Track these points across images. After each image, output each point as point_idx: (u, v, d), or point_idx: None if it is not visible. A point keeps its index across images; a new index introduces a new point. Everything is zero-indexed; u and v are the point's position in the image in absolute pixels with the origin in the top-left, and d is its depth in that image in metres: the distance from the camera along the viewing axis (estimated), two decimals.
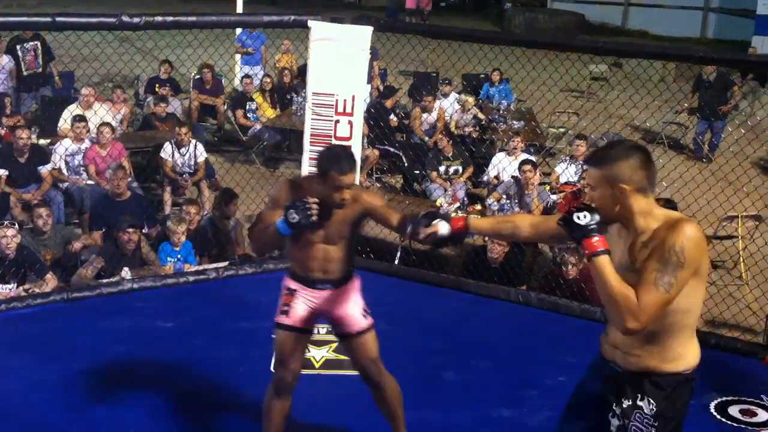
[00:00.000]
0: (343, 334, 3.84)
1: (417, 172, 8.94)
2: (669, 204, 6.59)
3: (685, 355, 2.72)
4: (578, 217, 2.62)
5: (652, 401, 2.72)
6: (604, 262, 2.58)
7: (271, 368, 3.96)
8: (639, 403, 2.73)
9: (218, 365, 4.70)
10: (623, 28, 22.30)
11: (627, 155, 2.62)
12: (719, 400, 4.62)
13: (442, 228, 3.18)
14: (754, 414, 4.51)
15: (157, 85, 10.38)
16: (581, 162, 8.25)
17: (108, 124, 8.14)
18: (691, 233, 2.54)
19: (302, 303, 3.78)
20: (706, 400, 4.61)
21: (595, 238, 2.59)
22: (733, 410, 4.54)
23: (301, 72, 11.35)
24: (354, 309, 3.82)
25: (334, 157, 3.48)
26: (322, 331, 5.15)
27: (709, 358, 5.04)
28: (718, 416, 4.48)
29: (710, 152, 10.70)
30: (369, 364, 3.82)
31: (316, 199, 3.43)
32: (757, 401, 4.62)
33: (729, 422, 4.43)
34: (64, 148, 7.91)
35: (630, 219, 2.65)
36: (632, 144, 2.75)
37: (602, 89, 14.12)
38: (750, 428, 4.36)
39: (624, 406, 2.76)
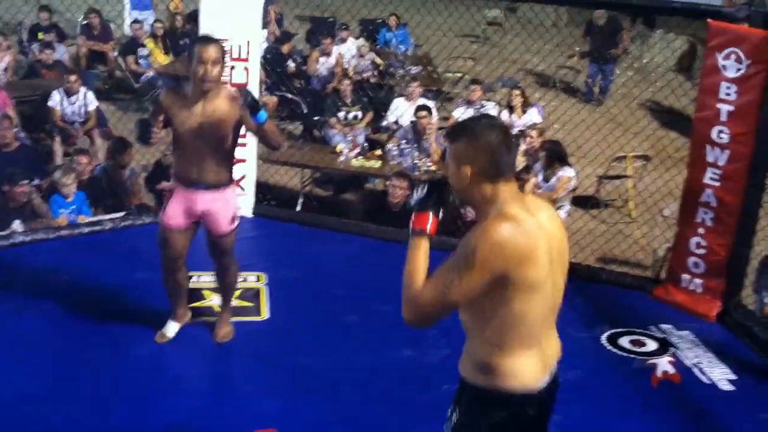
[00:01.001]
0: (209, 232, 4.13)
1: (316, 118, 8.88)
2: (555, 146, 6.80)
3: (506, 372, 2.39)
4: (417, 189, 2.48)
5: (457, 412, 2.52)
6: (414, 243, 2.39)
7: None
8: (454, 409, 2.55)
9: (115, 317, 4.61)
10: None
11: (477, 134, 2.33)
12: (610, 332, 4.82)
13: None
14: (643, 344, 4.73)
15: (39, 33, 9.92)
16: (478, 106, 8.37)
17: None
18: (494, 236, 2.23)
19: (178, 202, 4.06)
20: (598, 332, 4.82)
21: (419, 216, 2.41)
22: (624, 341, 4.75)
23: (192, 17, 11.05)
24: (223, 213, 4.06)
25: (200, 36, 3.89)
26: None
27: (601, 292, 5.34)
28: (609, 347, 4.69)
29: (601, 95, 10.99)
30: (222, 254, 4.23)
31: (159, 119, 3.95)
32: (646, 332, 4.85)
33: (620, 352, 4.64)
34: None
35: (474, 204, 2.41)
36: (491, 123, 2.40)
37: (497, 34, 14.27)
38: (640, 357, 4.58)
39: (450, 410, 2.58)
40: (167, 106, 3.91)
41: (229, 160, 4.05)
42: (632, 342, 4.76)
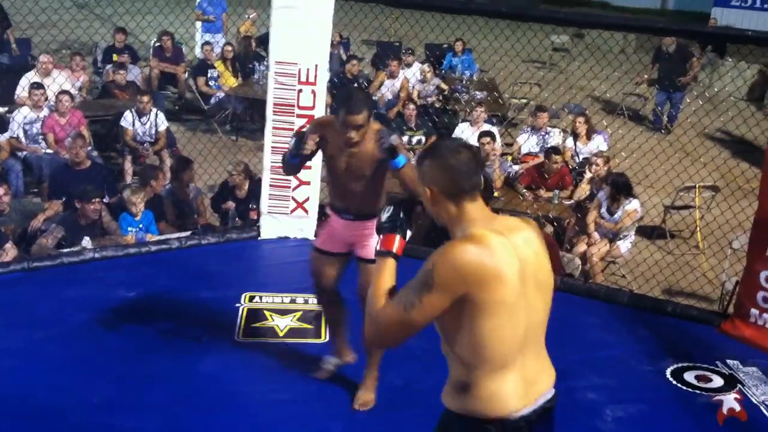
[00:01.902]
0: (358, 257, 4.08)
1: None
2: (620, 177, 6.71)
3: (478, 396, 2.34)
4: (383, 211, 2.50)
5: None
6: (380, 264, 2.42)
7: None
8: None
9: (180, 335, 4.69)
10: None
11: (438, 155, 2.37)
12: (675, 366, 4.72)
13: None
14: (709, 380, 4.61)
15: (114, 54, 10.22)
16: (543, 133, 8.32)
17: (67, 92, 8.01)
18: (454, 258, 2.23)
19: (332, 229, 4.12)
20: (662, 366, 4.71)
21: (386, 237, 2.44)
22: (689, 376, 4.64)
23: (262, 41, 11.24)
24: (372, 241, 3.94)
25: (345, 97, 3.80)
26: (286, 300, 5.18)
27: (666, 325, 5.23)
28: (674, 382, 4.58)
29: (669, 123, 10.84)
30: (362, 286, 3.98)
31: (315, 137, 3.90)
32: (712, 367, 4.73)
33: (685, 387, 4.52)
34: (22, 116, 7.77)
35: (446, 224, 2.41)
36: (453, 144, 2.42)
37: (564, 60, 14.19)
38: (705, 393, 4.46)
39: None
40: (321, 135, 3.95)
41: (377, 193, 4.03)
42: (697, 377, 4.64)
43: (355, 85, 9.79)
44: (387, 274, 2.40)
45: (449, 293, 2.23)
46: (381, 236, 2.47)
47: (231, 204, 6.76)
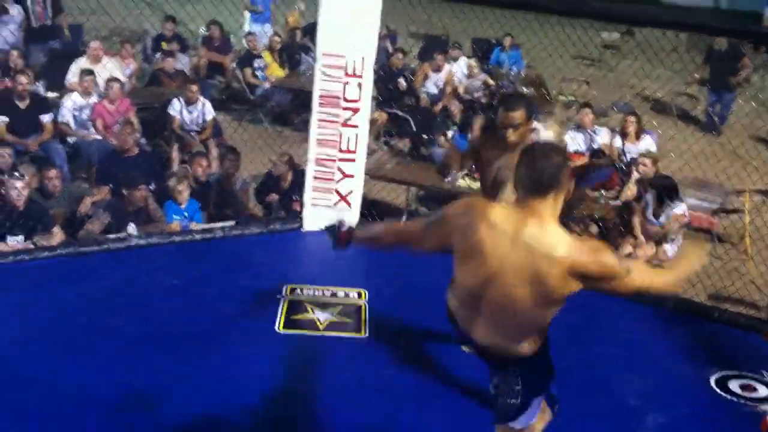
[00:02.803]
0: None
1: (425, 136, 8.90)
2: (665, 180, 6.59)
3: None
4: None
5: None
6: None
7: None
8: None
9: (220, 323, 4.72)
10: None
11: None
12: (720, 374, 4.62)
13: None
14: (754, 389, 4.52)
15: (163, 42, 10.31)
16: (589, 131, 8.22)
17: (116, 78, 8.11)
18: (461, 204, 2.94)
19: None
20: (707, 374, 4.62)
21: None
22: (734, 385, 4.54)
23: (308, 30, 11.28)
24: None
25: (505, 96, 4.18)
26: (327, 293, 5.18)
27: (712, 331, 5.13)
28: (718, 390, 4.49)
29: (720, 124, 10.64)
30: None
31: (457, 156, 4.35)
32: (758, 377, 4.63)
33: (729, 396, 4.44)
34: (72, 101, 7.89)
35: None
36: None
37: (614, 57, 14.01)
38: (750, 403, 4.38)
39: None
40: (482, 152, 4.04)
41: None
42: (742, 386, 4.54)
43: (400, 78, 9.79)
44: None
45: (449, 225, 2.94)
46: None
47: (274, 196, 6.78)
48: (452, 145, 4.06)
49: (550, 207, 2.77)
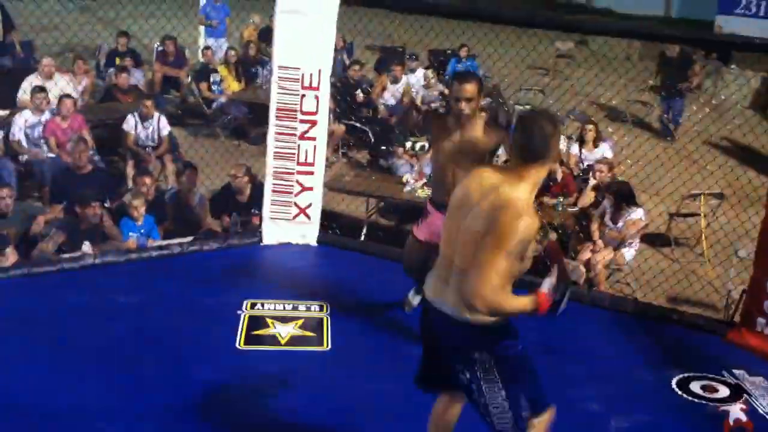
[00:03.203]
0: None
1: (383, 147, 8.89)
2: (622, 186, 6.66)
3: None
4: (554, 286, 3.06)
5: None
6: (527, 301, 3.05)
7: None
8: None
9: (180, 341, 4.65)
10: (588, 6, 22.32)
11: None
12: (681, 376, 4.66)
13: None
14: (715, 390, 4.55)
15: (116, 58, 10.19)
16: None
17: (69, 95, 7.99)
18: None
19: (432, 221, 4.43)
20: (668, 376, 4.65)
21: (546, 298, 3.04)
22: (695, 386, 4.58)
23: (263, 36, 11.25)
24: None
25: (458, 72, 4.39)
26: (288, 307, 5.13)
27: (671, 334, 5.18)
28: (680, 392, 4.52)
29: (673, 129, 10.78)
30: None
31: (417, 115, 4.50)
32: (718, 377, 4.67)
33: (690, 398, 4.47)
34: (23, 119, 7.75)
35: None
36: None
37: (568, 67, 14.15)
38: (711, 404, 4.41)
39: None
40: (433, 129, 4.35)
41: None
42: (703, 387, 4.58)
43: (358, 90, 9.78)
44: (522, 304, 3.00)
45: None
46: (547, 294, 2.98)
47: (227, 220, 6.66)
48: (416, 105, 4.37)
49: (534, 174, 2.87)
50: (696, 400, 4.45)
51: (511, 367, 3.02)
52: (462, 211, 2.95)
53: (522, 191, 2.84)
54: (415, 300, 4.99)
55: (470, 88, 4.05)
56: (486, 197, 2.87)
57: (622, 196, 6.53)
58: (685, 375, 4.68)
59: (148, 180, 6.68)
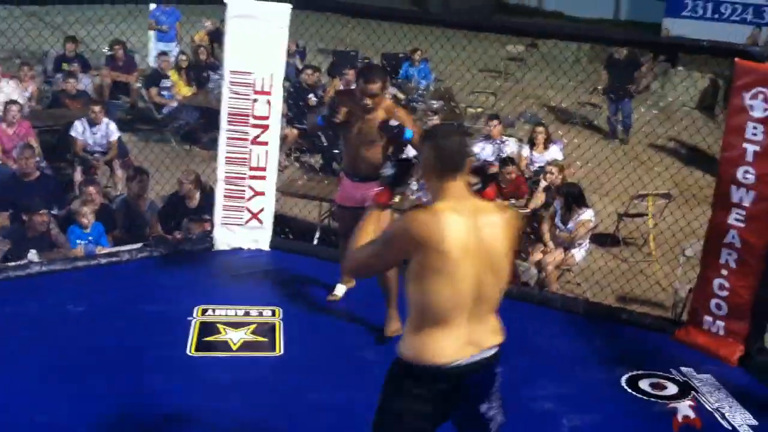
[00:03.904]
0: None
1: (336, 151, 8.87)
2: (572, 188, 6.74)
3: (418, 347, 2.74)
4: (385, 167, 2.99)
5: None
6: (370, 213, 2.90)
7: None
8: None
9: (129, 350, 4.58)
10: (539, 9, 22.55)
11: (431, 138, 2.80)
12: (630, 374, 4.71)
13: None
14: (664, 387, 4.62)
15: (64, 63, 10.04)
16: (498, 141, 8.34)
17: (15, 101, 7.85)
18: (408, 221, 2.68)
19: (344, 188, 4.96)
20: (617, 374, 4.70)
21: (382, 191, 2.93)
22: (644, 384, 4.64)
23: (214, 37, 11.16)
24: None
25: (365, 69, 4.84)
26: (240, 313, 5.10)
27: (620, 333, 5.25)
28: (629, 390, 4.57)
29: (624, 133, 10.93)
30: None
31: (345, 108, 4.64)
32: (667, 375, 4.74)
33: (640, 395, 4.53)
34: None
35: (432, 197, 2.79)
36: (447, 129, 3.03)
37: (519, 70, 14.28)
38: (660, 401, 4.47)
39: None
40: (344, 103, 4.70)
41: (382, 159, 4.65)
42: (652, 385, 4.64)
43: (310, 95, 9.75)
44: (372, 220, 2.88)
45: (400, 250, 2.72)
46: (380, 189, 2.93)
47: (177, 235, 6.55)
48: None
49: (464, 183, 2.77)
50: (645, 398, 4.51)
51: None
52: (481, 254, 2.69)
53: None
54: (340, 291, 5.29)
55: (374, 87, 4.51)
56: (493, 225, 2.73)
57: (572, 197, 6.60)
58: (635, 373, 4.74)
59: (93, 189, 6.55)
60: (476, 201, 2.79)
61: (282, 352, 4.71)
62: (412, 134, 4.57)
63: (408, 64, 11.76)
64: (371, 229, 2.85)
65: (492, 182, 3.43)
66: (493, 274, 2.73)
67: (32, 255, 5.65)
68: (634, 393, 4.56)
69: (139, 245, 6.08)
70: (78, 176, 7.86)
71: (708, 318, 5.07)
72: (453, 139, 2.76)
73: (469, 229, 2.66)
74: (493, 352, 2.82)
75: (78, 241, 6.04)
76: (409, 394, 2.77)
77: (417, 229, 2.64)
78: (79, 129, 8.04)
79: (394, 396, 2.82)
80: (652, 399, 4.51)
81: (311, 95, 9.86)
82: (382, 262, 2.88)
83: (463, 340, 2.73)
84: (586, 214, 6.58)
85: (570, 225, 6.60)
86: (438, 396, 2.77)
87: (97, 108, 8.11)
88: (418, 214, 2.68)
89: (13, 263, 5.62)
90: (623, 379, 4.67)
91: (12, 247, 5.74)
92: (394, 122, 4.55)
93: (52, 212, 6.32)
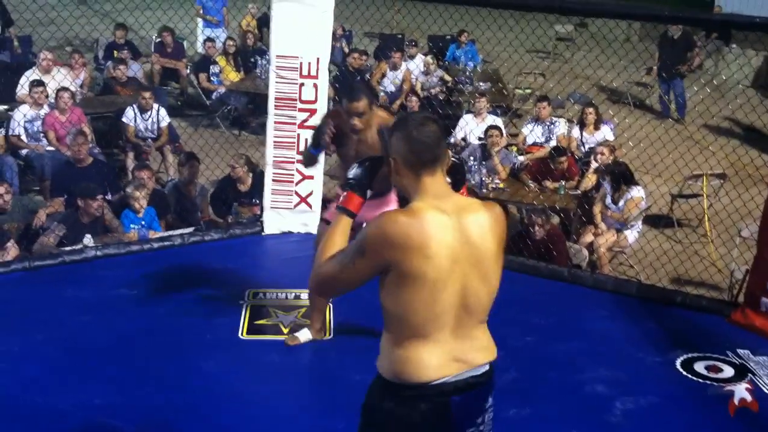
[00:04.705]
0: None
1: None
2: (619, 167, 6.63)
3: (399, 361, 2.44)
4: (351, 168, 2.61)
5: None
6: (337, 220, 2.52)
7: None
8: None
9: (182, 334, 4.64)
10: None
11: (404, 128, 2.43)
12: (685, 356, 4.65)
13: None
14: (720, 370, 4.54)
15: (115, 51, 10.17)
16: (547, 122, 8.25)
17: (67, 89, 7.96)
18: (382, 226, 2.33)
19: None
20: (672, 357, 4.64)
21: (349, 196, 2.53)
22: (699, 366, 4.57)
23: (262, 22, 11.20)
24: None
25: (347, 88, 4.43)
26: (290, 296, 5.13)
27: (675, 315, 5.17)
28: (684, 372, 4.51)
29: (678, 112, 10.73)
30: None
31: (332, 128, 4.15)
32: (723, 357, 4.66)
33: (695, 378, 4.46)
34: (22, 114, 7.73)
35: (406, 194, 2.49)
36: (421, 118, 2.46)
37: (568, 50, 14.10)
38: (715, 384, 4.40)
39: None
40: (336, 123, 4.24)
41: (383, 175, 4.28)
42: (708, 368, 4.57)
43: (358, 77, 9.74)
44: (340, 230, 2.50)
45: (377, 259, 2.34)
46: (344, 193, 2.56)
47: (230, 219, 6.63)
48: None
49: (443, 178, 2.47)
50: (701, 381, 4.44)
51: None
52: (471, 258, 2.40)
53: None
54: (303, 335, 4.62)
55: (360, 105, 4.10)
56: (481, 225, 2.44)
57: (620, 176, 6.51)
58: (690, 356, 4.67)
59: (146, 174, 6.64)
60: (458, 198, 2.50)
61: (332, 335, 4.73)
62: None
63: (455, 46, 11.69)
64: (339, 240, 2.47)
65: (464, 182, 2.98)
66: (482, 280, 2.42)
67: (87, 240, 5.75)
68: (689, 376, 4.49)
69: (190, 230, 6.15)
70: (130, 162, 7.96)
71: (765, 300, 4.97)
72: (429, 127, 2.42)
73: (454, 230, 2.35)
74: (483, 371, 2.51)
75: (131, 226, 6.12)
76: (391, 415, 2.47)
77: (396, 231, 2.30)
78: (130, 115, 8.13)
79: (374, 416, 2.55)
80: (708, 382, 4.44)
81: (357, 78, 9.86)
82: (353, 275, 2.41)
83: (449, 356, 2.43)
84: (636, 192, 6.48)
85: (620, 204, 6.51)
86: (421, 418, 2.45)
87: (147, 94, 8.19)
88: (395, 214, 2.36)
89: (68, 248, 5.72)
90: (678, 361, 4.61)
91: (67, 232, 5.84)
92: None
93: (106, 197, 6.41)
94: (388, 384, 2.48)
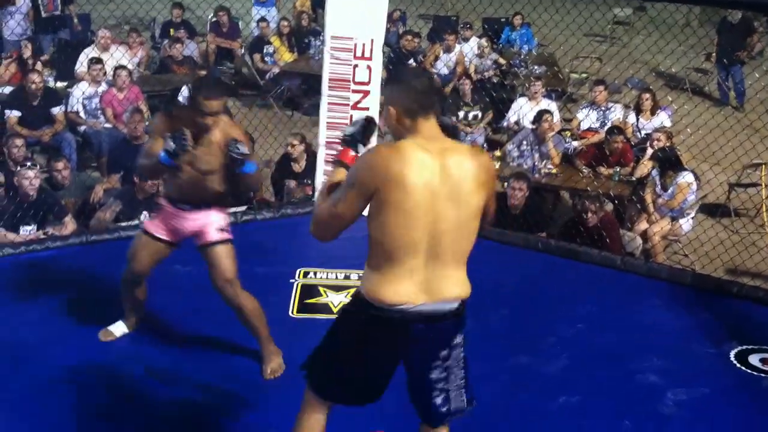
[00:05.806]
0: (199, 247, 4.10)
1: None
2: (665, 152, 6.50)
3: (370, 282, 2.70)
4: (349, 125, 2.93)
5: None
6: (335, 171, 2.82)
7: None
8: None
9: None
10: None
11: (399, 79, 2.76)
12: (739, 348, 4.58)
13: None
14: None
15: (171, 29, 10.28)
16: (603, 108, 8.13)
17: (124, 67, 8.08)
18: (367, 157, 2.61)
19: (164, 218, 4.10)
20: (727, 349, 4.58)
21: (345, 150, 2.86)
22: (754, 359, 4.50)
23: (316, 2, 11.20)
24: (210, 225, 4.04)
25: (203, 83, 3.98)
26: (340, 276, 5.15)
27: (730, 306, 5.08)
28: (738, 365, 4.44)
29: (738, 99, 10.49)
30: (223, 286, 4.05)
31: (188, 131, 3.70)
32: None
33: (749, 371, 4.39)
34: (80, 91, 7.87)
35: (399, 137, 2.69)
36: (414, 70, 2.94)
37: (626, 34, 13.86)
38: None
39: None
40: (164, 131, 3.83)
41: (219, 185, 4.01)
42: (763, 360, 4.50)
43: (411, 60, 9.69)
44: (336, 179, 2.77)
45: (364, 189, 2.59)
46: (342, 147, 2.87)
47: (291, 183, 6.68)
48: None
49: (436, 124, 2.70)
50: (755, 373, 4.38)
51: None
52: (450, 194, 2.62)
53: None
54: (117, 329, 4.48)
55: (215, 105, 3.73)
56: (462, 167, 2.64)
57: (667, 161, 6.39)
58: (744, 347, 4.60)
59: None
60: (447, 141, 2.70)
61: None
62: (254, 169, 3.88)
63: (509, 28, 11.57)
64: (334, 188, 2.73)
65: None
66: (458, 217, 2.62)
67: (144, 216, 5.84)
68: (743, 368, 4.42)
69: (243, 208, 6.21)
70: None
71: None
72: (424, 77, 2.76)
73: (434, 167, 2.58)
74: (450, 307, 2.71)
75: None
76: (359, 326, 2.76)
77: (377, 162, 2.57)
78: (186, 94, 8.21)
79: (344, 324, 2.86)
80: (763, 374, 4.37)
81: (411, 60, 9.83)
82: (346, 208, 2.63)
83: (418, 286, 2.64)
84: (685, 178, 6.35)
85: (670, 191, 6.39)
86: (382, 339, 2.74)
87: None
88: (380, 147, 2.65)
89: (125, 223, 5.82)
90: (732, 353, 4.54)
91: (124, 208, 5.93)
92: (243, 148, 3.77)
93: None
94: (363, 300, 2.71)
